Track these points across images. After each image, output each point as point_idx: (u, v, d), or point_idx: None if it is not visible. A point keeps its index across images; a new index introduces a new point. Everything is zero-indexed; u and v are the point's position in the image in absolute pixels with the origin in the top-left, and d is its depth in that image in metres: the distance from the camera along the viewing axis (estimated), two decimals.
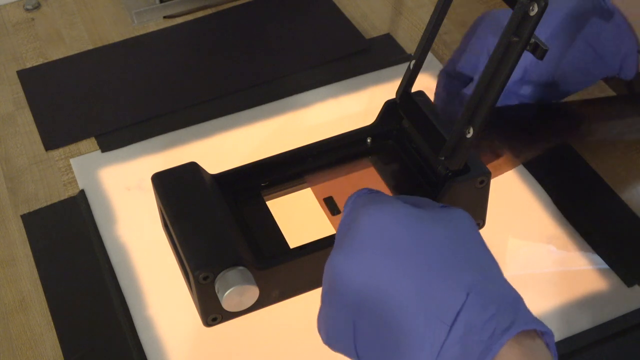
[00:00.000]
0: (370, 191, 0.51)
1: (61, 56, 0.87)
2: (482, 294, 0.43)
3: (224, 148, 0.75)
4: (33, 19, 0.92)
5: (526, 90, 0.67)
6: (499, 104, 0.67)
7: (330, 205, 0.61)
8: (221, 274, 0.54)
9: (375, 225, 0.47)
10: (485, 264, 0.46)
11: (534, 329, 0.44)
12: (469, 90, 0.67)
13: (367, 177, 0.64)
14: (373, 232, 0.47)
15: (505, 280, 0.46)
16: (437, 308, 0.43)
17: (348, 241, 0.48)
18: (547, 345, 0.44)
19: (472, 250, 0.47)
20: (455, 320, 0.43)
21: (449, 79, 0.69)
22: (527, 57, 0.54)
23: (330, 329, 0.48)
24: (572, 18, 0.66)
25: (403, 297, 0.45)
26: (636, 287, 0.62)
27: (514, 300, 0.44)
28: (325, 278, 0.49)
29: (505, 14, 0.54)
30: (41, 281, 0.66)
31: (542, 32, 0.64)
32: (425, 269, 0.45)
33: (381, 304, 0.45)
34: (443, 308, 0.43)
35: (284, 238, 0.60)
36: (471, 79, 0.68)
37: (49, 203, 0.71)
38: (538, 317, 0.60)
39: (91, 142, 0.77)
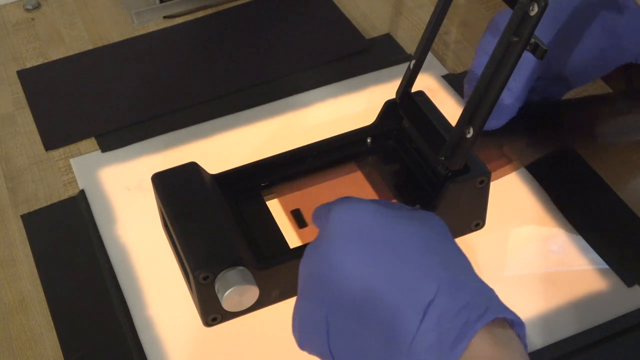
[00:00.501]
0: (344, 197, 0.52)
1: (61, 56, 0.87)
2: (455, 284, 0.44)
3: (224, 148, 0.75)
4: (33, 19, 0.92)
5: (542, 83, 0.67)
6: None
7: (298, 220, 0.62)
8: (221, 274, 0.54)
9: (350, 221, 0.48)
10: (457, 259, 0.48)
11: (506, 318, 0.44)
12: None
13: (353, 181, 0.64)
14: (347, 228, 0.48)
15: (476, 275, 0.47)
16: (410, 298, 0.44)
17: (322, 237, 0.49)
18: (519, 336, 0.45)
19: (444, 247, 0.48)
20: (427, 308, 0.43)
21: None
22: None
23: (304, 327, 0.49)
24: (587, 4, 0.65)
25: (376, 289, 0.45)
26: (636, 287, 0.62)
27: (486, 291, 0.45)
28: (301, 273, 0.50)
29: None
30: (41, 281, 0.66)
31: (560, 22, 0.64)
32: (399, 262, 0.46)
33: (354, 296, 0.46)
34: (416, 297, 0.44)
35: (284, 238, 0.60)
36: None
37: (49, 203, 0.71)
38: (538, 317, 0.60)
39: (91, 142, 0.77)
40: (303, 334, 0.49)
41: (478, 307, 0.43)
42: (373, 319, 0.45)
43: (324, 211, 0.52)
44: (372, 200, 0.51)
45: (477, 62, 0.68)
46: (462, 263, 0.47)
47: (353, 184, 0.64)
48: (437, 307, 0.43)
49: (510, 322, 0.44)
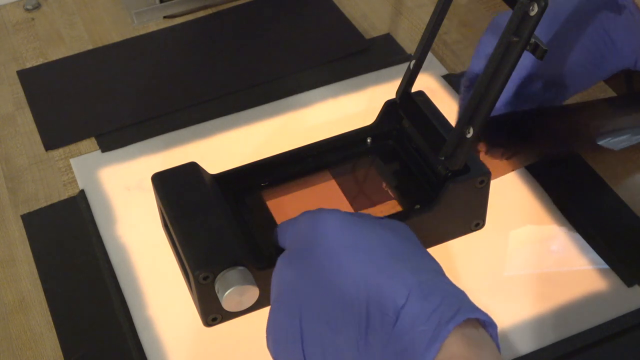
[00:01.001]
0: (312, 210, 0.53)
1: (61, 56, 0.87)
2: (425, 289, 0.45)
3: (224, 148, 0.75)
4: (33, 19, 0.92)
5: (539, 86, 0.67)
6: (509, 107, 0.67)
7: None
8: (221, 274, 0.54)
9: (321, 231, 0.49)
10: (427, 264, 0.48)
11: (478, 319, 0.45)
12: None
13: (328, 190, 0.64)
14: (317, 238, 0.49)
15: (447, 278, 0.48)
16: (382, 303, 0.44)
17: (293, 248, 0.50)
18: (491, 336, 0.45)
19: (413, 253, 0.48)
20: (400, 313, 0.44)
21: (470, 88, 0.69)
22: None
23: (278, 337, 0.49)
24: (586, 9, 0.66)
25: (348, 296, 0.46)
26: (636, 287, 0.62)
27: (457, 293, 0.46)
28: (273, 285, 0.50)
29: None
30: (41, 281, 0.66)
31: (556, 24, 0.64)
32: (370, 270, 0.46)
33: (327, 304, 0.46)
34: (388, 303, 0.44)
35: None
36: None
37: (49, 203, 0.71)
38: (538, 317, 0.60)
39: (91, 142, 0.77)
40: (277, 344, 0.49)
41: (449, 309, 0.44)
42: (346, 325, 0.45)
43: (289, 226, 0.53)
44: (342, 211, 0.51)
45: (476, 63, 0.68)
46: (432, 267, 0.48)
47: (334, 190, 0.64)
48: (409, 312, 0.44)
49: (482, 322, 0.45)
